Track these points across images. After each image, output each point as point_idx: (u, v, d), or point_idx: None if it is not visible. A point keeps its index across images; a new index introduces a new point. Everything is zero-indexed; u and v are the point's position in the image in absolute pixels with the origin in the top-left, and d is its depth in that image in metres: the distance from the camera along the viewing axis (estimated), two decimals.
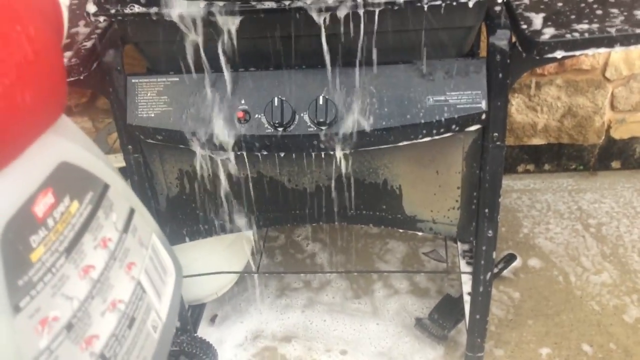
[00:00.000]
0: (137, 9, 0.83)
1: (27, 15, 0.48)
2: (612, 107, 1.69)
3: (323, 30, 0.84)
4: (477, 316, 1.19)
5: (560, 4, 0.89)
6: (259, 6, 0.80)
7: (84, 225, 0.56)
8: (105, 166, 0.62)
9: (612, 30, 0.81)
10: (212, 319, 1.47)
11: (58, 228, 0.52)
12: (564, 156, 1.80)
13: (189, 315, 1.34)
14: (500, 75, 0.90)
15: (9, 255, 0.46)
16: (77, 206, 0.55)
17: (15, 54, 0.46)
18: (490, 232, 1.04)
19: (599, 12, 0.85)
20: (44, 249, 0.50)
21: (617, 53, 1.57)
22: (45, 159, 0.52)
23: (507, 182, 1.80)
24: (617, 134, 1.75)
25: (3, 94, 0.44)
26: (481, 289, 1.14)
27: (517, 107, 1.69)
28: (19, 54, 0.46)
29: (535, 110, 1.70)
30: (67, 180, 0.54)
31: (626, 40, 0.81)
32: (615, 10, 0.85)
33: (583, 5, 0.87)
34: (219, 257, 1.32)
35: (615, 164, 1.82)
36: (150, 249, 0.68)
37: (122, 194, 0.63)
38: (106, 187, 0.60)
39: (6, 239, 0.46)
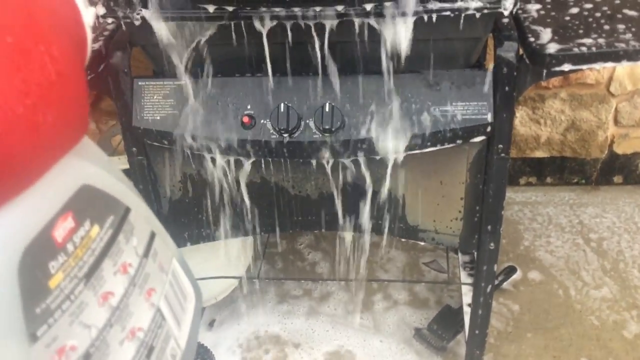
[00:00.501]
0: (145, 12, 0.83)
1: (51, 35, 0.47)
2: (616, 122, 1.70)
3: (324, 40, 0.85)
4: (477, 328, 1.18)
5: (567, 18, 0.89)
6: (268, 13, 0.81)
7: (104, 250, 0.54)
8: (127, 189, 0.60)
9: (620, 45, 0.81)
10: (211, 324, 1.46)
11: (78, 253, 0.51)
12: (566, 169, 1.81)
13: None
14: (507, 87, 0.90)
15: (27, 282, 0.44)
16: (98, 230, 0.53)
17: (37, 73, 0.45)
18: (492, 244, 1.04)
19: (607, 27, 0.85)
20: (62, 275, 0.48)
21: (622, 68, 1.57)
22: (66, 181, 0.51)
23: (509, 194, 1.79)
24: (620, 149, 1.75)
25: (24, 114, 0.43)
26: (481, 301, 1.13)
27: (521, 120, 1.69)
28: (42, 74, 0.45)
29: (538, 123, 1.70)
30: (88, 204, 0.53)
31: (634, 55, 0.81)
32: (622, 26, 0.85)
33: (591, 19, 0.88)
34: (219, 262, 1.32)
35: (617, 178, 1.82)
36: (171, 275, 0.66)
37: (143, 217, 0.62)
38: (127, 210, 0.59)
39: (24, 265, 0.44)
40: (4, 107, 0.41)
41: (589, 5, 0.91)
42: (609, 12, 0.89)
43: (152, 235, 0.63)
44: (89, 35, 0.57)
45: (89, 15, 0.56)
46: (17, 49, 0.43)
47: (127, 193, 0.60)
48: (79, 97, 0.52)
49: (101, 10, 0.85)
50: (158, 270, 0.63)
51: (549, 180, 1.84)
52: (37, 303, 0.46)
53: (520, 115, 1.69)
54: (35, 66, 0.45)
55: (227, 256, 1.32)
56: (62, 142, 0.50)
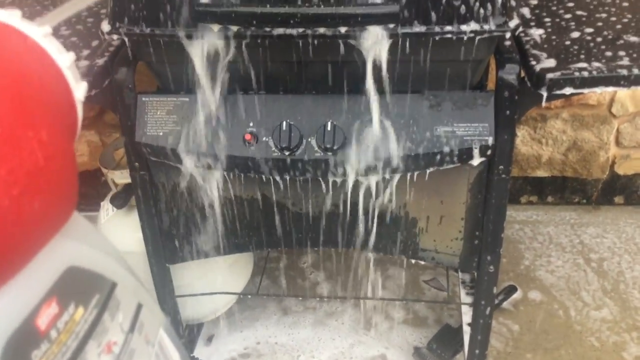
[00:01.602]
0: (150, 30, 0.84)
1: (42, 119, 0.45)
2: (617, 142, 1.70)
3: (327, 60, 0.85)
4: (476, 348, 1.18)
5: (569, 42, 0.90)
6: (272, 32, 0.81)
7: (88, 332, 0.52)
8: (115, 262, 0.59)
9: (621, 71, 0.81)
10: (209, 339, 1.46)
11: (61, 339, 0.48)
12: (567, 189, 1.81)
13: (185, 335, 1.33)
14: (508, 109, 0.90)
15: None
16: (82, 312, 0.51)
17: (25, 161, 0.42)
18: (491, 267, 1.04)
19: (608, 52, 0.86)
20: None
21: (625, 90, 1.58)
22: (51, 265, 0.49)
23: (509, 212, 1.79)
24: (622, 169, 1.75)
25: (9, 206, 0.40)
26: (481, 322, 1.13)
27: (522, 139, 1.70)
28: (30, 161, 0.43)
29: (540, 143, 1.70)
30: (73, 286, 0.51)
31: (634, 80, 0.81)
32: (622, 53, 0.85)
33: (592, 44, 0.88)
34: (219, 278, 1.32)
35: (618, 199, 1.82)
36: (157, 346, 0.64)
37: (130, 290, 0.60)
38: (114, 285, 0.57)
39: (6, 357, 0.42)
40: None
41: (590, 30, 0.92)
42: (610, 37, 0.90)
43: (139, 308, 0.61)
44: (80, 112, 0.55)
45: (80, 90, 0.54)
46: (6, 139, 0.41)
47: (113, 267, 0.58)
48: (68, 178, 0.50)
49: (107, 27, 0.85)
50: (144, 343, 0.61)
51: (550, 199, 1.84)
52: None
53: (522, 134, 1.69)
54: (23, 154, 0.42)
55: (226, 272, 1.32)
56: (49, 227, 0.49)
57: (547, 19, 0.97)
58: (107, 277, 0.56)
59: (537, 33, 0.92)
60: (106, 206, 1.27)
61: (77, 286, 0.52)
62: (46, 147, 0.45)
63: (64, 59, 0.52)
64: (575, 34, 0.91)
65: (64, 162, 0.49)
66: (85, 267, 0.53)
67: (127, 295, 0.59)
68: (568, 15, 0.98)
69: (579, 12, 0.98)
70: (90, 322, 0.52)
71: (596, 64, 0.83)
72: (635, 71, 0.81)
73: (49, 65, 0.51)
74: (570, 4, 1.01)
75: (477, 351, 1.18)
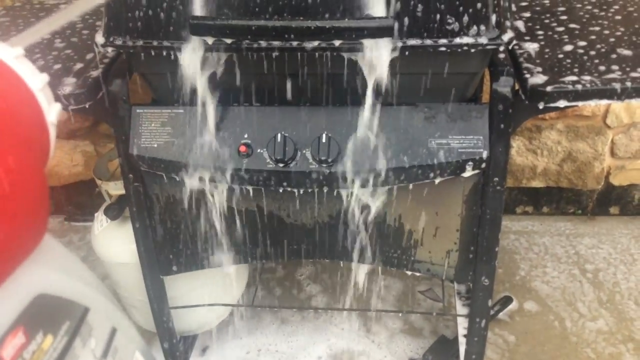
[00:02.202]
0: (144, 42, 0.84)
1: (8, 146, 0.44)
2: (612, 153, 1.70)
3: (322, 72, 0.85)
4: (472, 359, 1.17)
5: (563, 55, 0.90)
6: (267, 45, 0.81)
7: None
8: (87, 287, 0.57)
9: (614, 84, 0.82)
10: (204, 350, 1.45)
11: None
12: (562, 200, 1.81)
13: (180, 347, 1.32)
14: (503, 121, 0.90)
15: None
16: (51, 341, 0.49)
17: None
18: (487, 278, 1.04)
19: (602, 67, 0.86)
20: None
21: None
22: (18, 294, 0.47)
23: (505, 222, 1.79)
24: (616, 180, 1.76)
25: None
26: (476, 334, 1.13)
27: (518, 150, 1.70)
28: None
29: (535, 153, 1.70)
30: (41, 314, 0.49)
31: (628, 94, 0.82)
32: (616, 66, 0.86)
33: (586, 57, 0.89)
34: (213, 289, 1.31)
35: (613, 209, 1.82)
36: None
37: (104, 314, 0.58)
38: (86, 311, 0.55)
39: None
40: None
41: (583, 43, 0.93)
42: (603, 50, 0.90)
43: (113, 332, 0.60)
44: (53, 135, 0.53)
45: (52, 113, 0.52)
46: None
47: (86, 292, 0.56)
48: (36, 204, 0.47)
49: (101, 39, 0.85)
50: None
51: (545, 210, 1.84)
52: None
53: (517, 145, 1.69)
54: None
55: (221, 283, 1.32)
56: (15, 255, 0.46)
57: (541, 32, 0.97)
58: (78, 302, 0.54)
59: (531, 46, 0.93)
60: (100, 217, 1.26)
61: (46, 314, 0.50)
62: (12, 174, 0.43)
63: (36, 81, 0.51)
64: (569, 47, 0.92)
65: (32, 188, 0.47)
66: (55, 293, 0.51)
67: (100, 320, 0.57)
68: (561, 29, 0.98)
69: (572, 25, 0.99)
70: (60, 350, 0.50)
71: (590, 77, 0.84)
72: (629, 84, 0.81)
73: (20, 88, 0.49)
74: (564, 17, 1.02)
75: None
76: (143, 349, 0.66)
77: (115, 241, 1.23)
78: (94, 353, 0.56)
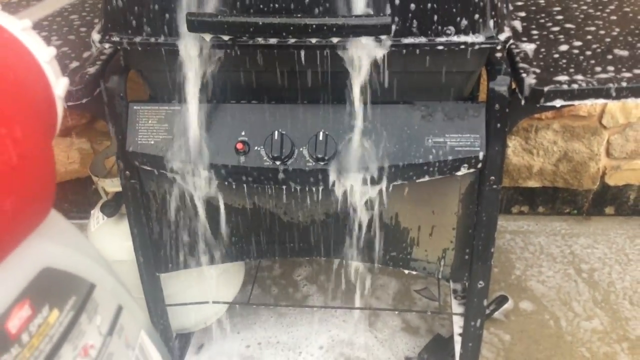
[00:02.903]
0: (141, 38, 0.84)
1: (16, 116, 0.44)
2: (608, 153, 1.71)
3: (318, 69, 0.85)
4: (467, 359, 1.18)
5: (559, 55, 0.90)
6: (264, 42, 0.81)
7: (63, 335, 0.50)
8: (94, 263, 0.57)
9: (610, 84, 0.82)
10: (200, 347, 1.45)
11: (33, 343, 0.46)
12: (558, 200, 1.81)
13: (176, 344, 1.32)
14: (499, 120, 0.90)
15: None
16: (57, 315, 0.49)
17: None
18: (482, 277, 1.04)
19: (598, 66, 0.86)
20: None
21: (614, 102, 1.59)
22: (24, 267, 0.47)
23: (501, 222, 1.80)
24: (612, 180, 1.76)
25: None
26: (472, 332, 1.13)
27: (514, 149, 1.71)
28: (1, 159, 0.41)
29: (531, 153, 1.71)
30: (47, 288, 0.49)
31: (624, 93, 0.82)
32: (611, 67, 0.86)
33: (582, 57, 0.89)
34: (209, 286, 1.31)
35: (609, 209, 1.83)
36: (138, 349, 0.62)
37: (110, 291, 0.58)
38: (92, 287, 0.55)
39: None
40: None
41: (579, 43, 0.93)
42: (599, 50, 0.91)
43: (119, 310, 0.60)
44: (60, 108, 0.53)
45: (60, 87, 0.52)
46: None
47: (93, 268, 0.56)
48: (44, 177, 0.48)
49: (97, 36, 0.85)
50: (124, 347, 0.59)
51: (541, 209, 1.84)
52: None
53: (513, 145, 1.70)
54: None
55: (217, 281, 1.32)
56: (22, 228, 0.47)
57: (536, 32, 0.98)
58: (85, 278, 0.54)
59: (528, 46, 0.93)
60: (96, 214, 1.26)
61: (52, 288, 0.50)
62: (20, 145, 0.43)
63: (44, 54, 0.50)
64: (565, 47, 0.92)
65: (39, 160, 0.47)
66: (62, 268, 0.51)
67: (107, 297, 0.58)
68: (557, 28, 0.98)
69: (567, 25, 0.99)
70: (66, 324, 0.51)
71: (586, 77, 0.84)
72: (624, 84, 0.82)
73: (27, 59, 0.49)
74: (559, 17, 1.02)
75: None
76: (149, 329, 0.66)
77: (112, 238, 1.23)
78: (99, 330, 0.56)
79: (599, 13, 1.03)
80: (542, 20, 1.01)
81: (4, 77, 0.45)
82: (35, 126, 0.47)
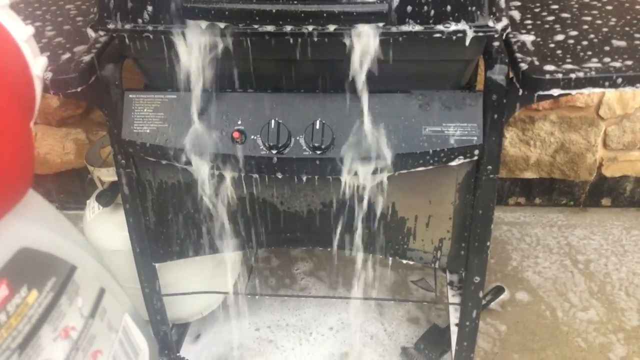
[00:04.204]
0: (137, 26, 0.83)
1: None
2: (605, 145, 1.71)
3: (315, 58, 0.85)
4: (463, 349, 1.18)
5: (553, 45, 0.90)
6: (261, 29, 0.81)
7: (42, 316, 0.50)
8: (74, 245, 0.56)
9: (608, 73, 0.82)
10: (197, 337, 1.45)
11: (11, 323, 0.46)
12: (555, 191, 1.82)
13: (172, 334, 1.32)
14: (497, 109, 0.90)
15: None
16: (36, 295, 0.49)
17: None
18: (479, 268, 1.04)
19: (594, 56, 0.86)
20: None
21: (611, 93, 1.59)
22: (1, 247, 0.47)
23: (497, 213, 1.80)
24: (609, 171, 1.77)
25: None
26: (468, 322, 1.13)
27: (511, 140, 1.70)
28: None
29: (528, 144, 1.71)
30: (26, 268, 0.49)
31: (622, 82, 0.82)
32: (610, 54, 0.86)
33: (579, 47, 0.89)
34: (205, 277, 1.31)
35: (605, 201, 1.83)
36: (121, 332, 0.62)
37: (91, 274, 0.58)
38: (73, 269, 0.55)
39: None
40: None
41: (575, 33, 0.93)
42: (596, 39, 0.90)
43: (101, 292, 0.59)
44: (38, 87, 0.52)
45: (38, 66, 0.51)
46: None
47: (73, 250, 0.55)
48: (21, 155, 0.47)
49: (93, 23, 0.85)
50: (106, 329, 0.58)
51: (537, 201, 1.84)
52: None
53: (510, 136, 1.70)
54: None
55: (214, 271, 1.32)
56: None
57: (531, 22, 0.97)
58: (65, 260, 0.54)
59: (525, 35, 0.93)
60: (92, 204, 1.26)
61: (30, 268, 0.49)
62: None
63: (21, 32, 0.49)
64: (561, 37, 0.92)
65: (17, 139, 0.46)
66: (41, 249, 0.51)
67: (88, 280, 0.57)
68: (552, 18, 0.98)
69: (563, 15, 0.99)
70: (45, 305, 0.50)
71: (583, 66, 0.84)
72: (621, 73, 0.81)
73: (3, 37, 0.48)
74: (554, 7, 1.02)
75: (464, 351, 1.18)
76: (132, 312, 0.65)
77: (107, 228, 1.23)
78: (81, 311, 0.55)
79: (594, 2, 1.03)
80: (537, 10, 1.01)
81: None
82: (12, 105, 0.46)
